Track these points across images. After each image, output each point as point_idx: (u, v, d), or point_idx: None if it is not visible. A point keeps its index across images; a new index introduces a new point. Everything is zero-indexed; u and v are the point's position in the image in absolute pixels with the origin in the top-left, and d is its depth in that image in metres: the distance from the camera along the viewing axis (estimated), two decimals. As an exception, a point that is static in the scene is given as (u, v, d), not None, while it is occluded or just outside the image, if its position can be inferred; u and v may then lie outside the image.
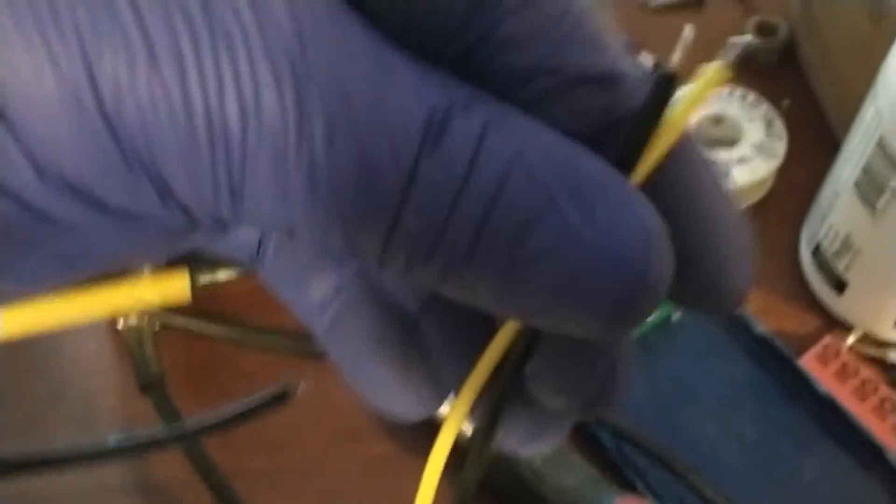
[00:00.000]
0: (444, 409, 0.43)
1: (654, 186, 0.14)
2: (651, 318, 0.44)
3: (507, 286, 0.13)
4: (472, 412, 0.16)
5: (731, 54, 0.13)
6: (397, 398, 0.18)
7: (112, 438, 0.41)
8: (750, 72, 0.54)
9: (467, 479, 0.16)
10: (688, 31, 0.13)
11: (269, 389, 0.22)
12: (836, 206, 0.42)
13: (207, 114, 0.12)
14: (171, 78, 0.12)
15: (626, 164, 0.14)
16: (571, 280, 0.13)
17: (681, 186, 0.14)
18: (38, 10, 0.12)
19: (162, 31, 0.12)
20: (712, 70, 0.13)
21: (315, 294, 0.19)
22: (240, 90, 0.12)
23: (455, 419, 0.16)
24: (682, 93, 0.13)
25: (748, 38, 0.13)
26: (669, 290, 0.15)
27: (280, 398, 0.21)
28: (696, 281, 0.15)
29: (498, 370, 0.15)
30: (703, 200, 0.15)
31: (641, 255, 0.13)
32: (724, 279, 0.15)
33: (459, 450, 0.16)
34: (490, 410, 0.16)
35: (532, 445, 0.18)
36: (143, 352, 0.39)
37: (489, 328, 0.16)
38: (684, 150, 0.14)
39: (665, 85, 0.13)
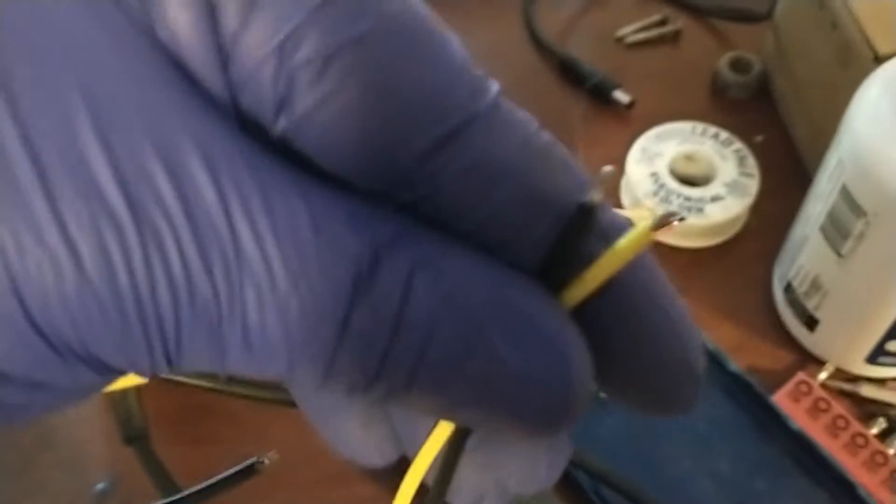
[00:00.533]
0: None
1: (596, 310, 0.15)
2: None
3: (445, 407, 0.14)
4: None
5: (661, 220, 0.13)
6: (360, 450, 0.19)
7: (99, 486, 0.42)
8: (724, 107, 0.55)
9: None
10: (607, 169, 0.14)
11: (239, 465, 0.23)
12: (805, 249, 0.43)
13: (139, 305, 0.12)
14: (99, 280, 0.12)
15: (553, 285, 0.15)
16: (502, 402, 0.14)
17: (621, 311, 0.15)
18: None
19: (86, 236, 0.12)
20: (636, 233, 0.14)
21: None
22: (170, 278, 0.12)
23: (409, 486, 0.17)
24: (622, 237, 0.14)
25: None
26: (621, 400, 0.16)
27: (249, 471, 0.22)
28: (641, 393, 0.16)
29: (451, 438, 0.16)
30: (644, 323, 0.15)
31: (562, 381, 0.14)
32: (668, 391, 0.16)
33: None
34: (440, 480, 0.17)
35: None
36: (127, 405, 0.40)
37: None
38: (628, 282, 0.15)
39: (582, 216, 0.14)
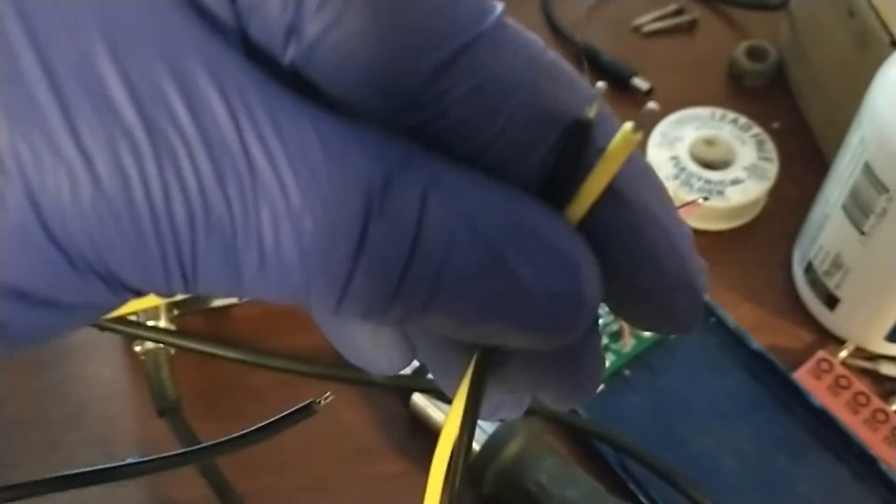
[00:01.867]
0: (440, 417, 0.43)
1: (596, 226, 0.15)
2: (650, 336, 0.45)
3: (462, 325, 0.15)
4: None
5: (643, 119, 0.14)
6: (370, 358, 0.19)
7: (130, 460, 0.43)
8: (741, 95, 0.55)
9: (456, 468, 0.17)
10: (600, 85, 0.15)
11: (296, 406, 0.23)
12: (826, 227, 0.44)
13: (155, 220, 0.13)
14: (114, 193, 0.12)
15: (556, 202, 0.15)
16: (516, 315, 0.14)
17: (619, 227, 0.15)
18: None
19: (102, 151, 0.12)
20: (620, 135, 0.14)
21: None
22: (185, 193, 0.13)
23: (449, 433, 0.17)
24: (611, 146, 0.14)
25: (654, 105, 0.14)
26: (623, 316, 0.17)
27: (306, 411, 0.23)
28: (641, 308, 0.16)
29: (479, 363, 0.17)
30: (641, 239, 0.15)
31: (574, 289, 0.14)
32: (667, 307, 0.16)
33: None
34: (470, 402, 0.17)
35: (493, 417, 0.20)
36: (160, 376, 0.40)
37: None
38: (622, 193, 0.15)
39: (579, 132, 0.14)
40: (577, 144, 0.15)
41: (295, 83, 0.14)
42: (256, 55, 0.14)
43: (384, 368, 0.19)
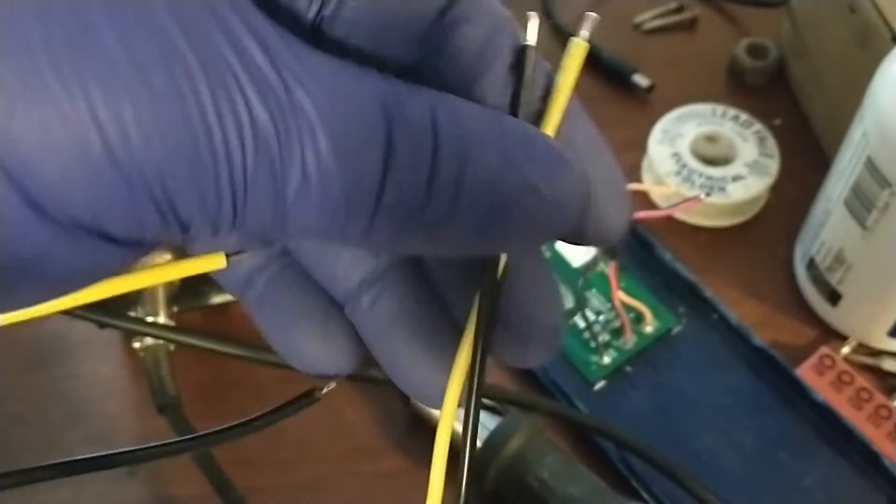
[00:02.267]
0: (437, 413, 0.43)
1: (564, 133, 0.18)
2: (652, 332, 0.45)
3: (484, 230, 0.16)
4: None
5: (586, 29, 0.17)
6: (316, 361, 0.20)
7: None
8: (742, 92, 0.55)
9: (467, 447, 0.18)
10: (533, 16, 0.17)
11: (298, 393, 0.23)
12: (828, 223, 0.44)
13: (211, 143, 0.14)
14: (174, 115, 0.13)
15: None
16: (531, 208, 0.16)
17: (578, 132, 0.18)
18: (42, 70, 0.13)
19: (163, 79, 0.13)
20: (573, 47, 0.17)
21: (241, 269, 0.20)
22: (237, 119, 0.14)
23: (446, 423, 0.17)
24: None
25: (595, 16, 0.17)
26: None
27: (308, 399, 0.23)
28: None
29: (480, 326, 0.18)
30: (581, 150, 0.18)
31: (571, 179, 0.16)
32: (604, 216, 0.18)
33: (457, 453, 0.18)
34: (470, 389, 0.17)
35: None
36: (160, 372, 0.40)
37: (429, 304, 0.19)
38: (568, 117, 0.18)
39: (522, 55, 0.17)
40: (522, 66, 0.17)
41: (311, 39, 0.15)
42: (272, 10, 0.15)
43: (330, 370, 0.20)
